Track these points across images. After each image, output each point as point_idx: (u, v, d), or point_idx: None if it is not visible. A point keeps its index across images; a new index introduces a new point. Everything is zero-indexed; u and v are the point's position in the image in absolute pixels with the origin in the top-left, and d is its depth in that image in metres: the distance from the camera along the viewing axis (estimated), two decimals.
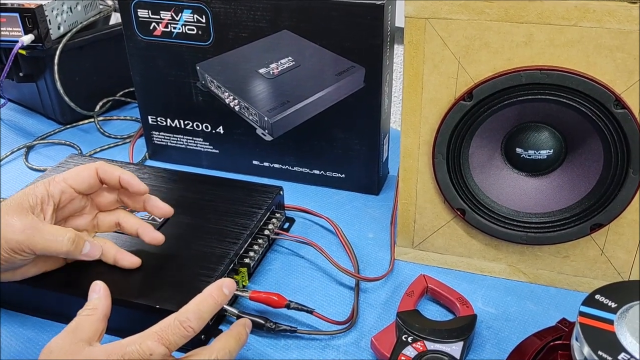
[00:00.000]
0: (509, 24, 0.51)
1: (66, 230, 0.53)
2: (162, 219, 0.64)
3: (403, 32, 0.55)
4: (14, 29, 0.85)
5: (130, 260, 0.58)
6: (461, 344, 0.52)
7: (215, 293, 0.48)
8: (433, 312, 0.59)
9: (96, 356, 0.43)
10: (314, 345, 0.55)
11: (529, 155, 0.57)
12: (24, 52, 0.87)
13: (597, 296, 0.44)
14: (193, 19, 0.73)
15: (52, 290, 0.56)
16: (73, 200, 0.56)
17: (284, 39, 0.71)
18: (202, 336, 0.53)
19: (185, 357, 0.45)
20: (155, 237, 0.58)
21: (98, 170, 0.56)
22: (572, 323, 0.50)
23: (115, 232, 0.61)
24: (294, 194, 0.78)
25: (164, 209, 0.59)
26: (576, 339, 0.42)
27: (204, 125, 0.81)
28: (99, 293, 0.50)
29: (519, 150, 0.57)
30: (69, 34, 0.91)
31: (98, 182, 0.57)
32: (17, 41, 0.84)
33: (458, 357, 0.51)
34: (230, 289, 0.49)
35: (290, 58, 0.72)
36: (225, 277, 0.58)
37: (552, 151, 0.56)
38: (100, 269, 0.57)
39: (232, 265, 0.59)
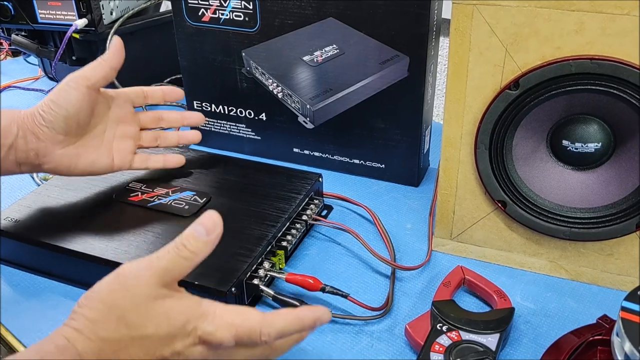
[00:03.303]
0: (560, 12, 0.50)
1: None
2: (203, 200, 0.65)
3: (449, 24, 0.54)
4: (69, 13, 0.88)
5: (176, 160, 0.70)
6: (497, 336, 0.51)
7: (307, 323, 0.43)
8: (469, 303, 0.58)
9: (175, 319, 0.41)
10: (348, 330, 0.56)
11: (576, 148, 0.56)
12: (77, 35, 0.90)
13: None
14: (240, 5, 0.74)
15: (97, 263, 0.58)
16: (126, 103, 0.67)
17: (329, 26, 0.71)
18: None
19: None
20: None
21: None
22: (614, 320, 0.48)
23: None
24: (333, 182, 0.78)
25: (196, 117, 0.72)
26: (617, 335, 0.41)
27: (247, 112, 0.82)
28: (210, 236, 0.42)
29: (565, 142, 0.56)
30: (121, 20, 0.93)
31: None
32: (71, 25, 0.87)
33: (494, 349, 0.50)
34: (321, 323, 0.44)
35: (334, 46, 0.73)
36: (263, 258, 0.59)
37: (600, 144, 0.55)
38: (142, 244, 0.59)
39: (269, 247, 0.60)
